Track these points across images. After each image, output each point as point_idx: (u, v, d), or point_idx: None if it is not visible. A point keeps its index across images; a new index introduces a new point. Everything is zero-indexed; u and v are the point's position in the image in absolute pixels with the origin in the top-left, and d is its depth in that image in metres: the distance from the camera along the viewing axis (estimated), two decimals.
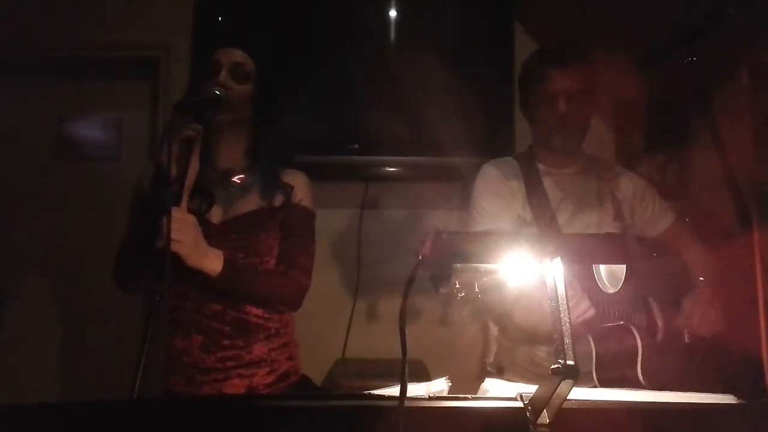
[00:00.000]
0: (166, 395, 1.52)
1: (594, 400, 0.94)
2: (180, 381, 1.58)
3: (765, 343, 1.24)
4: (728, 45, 1.72)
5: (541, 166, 1.86)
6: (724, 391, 0.99)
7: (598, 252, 0.89)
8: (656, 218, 1.89)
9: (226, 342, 1.59)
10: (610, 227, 1.79)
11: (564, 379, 0.80)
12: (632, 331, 1.61)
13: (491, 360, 1.89)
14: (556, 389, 0.82)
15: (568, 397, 0.84)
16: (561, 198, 1.81)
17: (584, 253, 0.89)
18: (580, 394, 0.90)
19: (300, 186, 1.72)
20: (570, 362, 0.80)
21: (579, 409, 0.90)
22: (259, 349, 1.63)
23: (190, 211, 1.52)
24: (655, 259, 1.77)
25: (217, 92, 1.56)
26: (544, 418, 0.85)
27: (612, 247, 0.87)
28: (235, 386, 1.59)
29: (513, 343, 1.81)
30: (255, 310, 1.63)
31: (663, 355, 1.63)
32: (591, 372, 1.58)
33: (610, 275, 0.90)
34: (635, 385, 1.56)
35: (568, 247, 0.85)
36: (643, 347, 1.60)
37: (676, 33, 1.36)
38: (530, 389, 0.90)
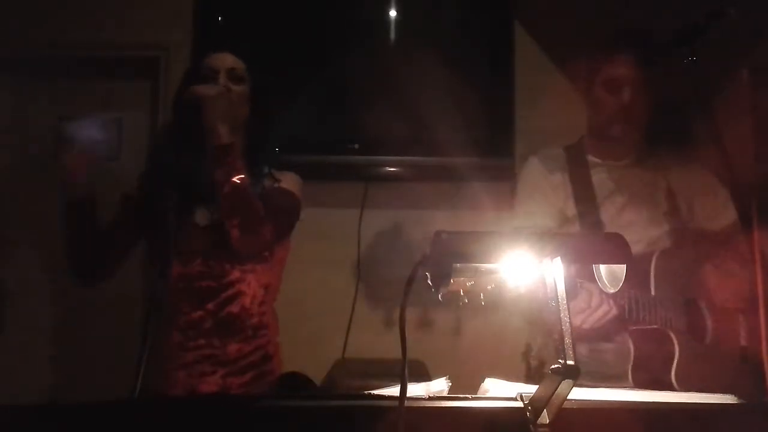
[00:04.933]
0: (145, 393, 1.52)
1: (594, 400, 0.94)
2: (155, 377, 1.58)
3: (765, 343, 1.24)
4: (728, 45, 1.71)
5: (592, 158, 1.80)
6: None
7: (598, 252, 0.89)
8: (717, 213, 1.80)
9: (202, 341, 1.61)
10: (661, 221, 1.74)
11: (564, 379, 0.80)
12: (671, 336, 1.59)
13: (534, 353, 1.88)
14: (556, 389, 0.82)
15: (568, 397, 0.83)
16: (611, 191, 1.76)
17: (584, 253, 0.89)
18: (580, 394, 0.90)
19: (289, 181, 1.73)
20: (570, 362, 0.80)
21: (579, 409, 0.89)
22: (234, 349, 1.64)
23: (178, 210, 1.53)
24: (706, 259, 1.70)
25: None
26: (544, 418, 0.85)
27: (612, 247, 0.87)
28: (209, 384, 1.61)
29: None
30: (234, 309, 1.64)
31: (705, 361, 1.59)
32: (627, 371, 1.58)
33: (610, 275, 0.90)
34: (669, 389, 1.54)
35: (568, 247, 0.85)
36: (680, 352, 1.57)
37: (676, 33, 1.36)
38: (530, 389, 0.90)
